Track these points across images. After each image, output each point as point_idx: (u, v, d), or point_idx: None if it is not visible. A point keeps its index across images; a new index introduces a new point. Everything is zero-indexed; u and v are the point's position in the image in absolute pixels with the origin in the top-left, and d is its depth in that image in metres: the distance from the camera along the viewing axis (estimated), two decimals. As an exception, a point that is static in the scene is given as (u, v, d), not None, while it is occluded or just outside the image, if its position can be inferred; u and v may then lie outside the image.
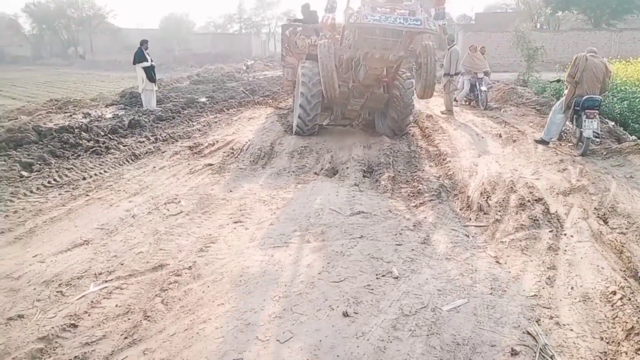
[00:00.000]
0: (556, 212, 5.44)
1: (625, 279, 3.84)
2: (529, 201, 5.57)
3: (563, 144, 8.74)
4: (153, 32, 57.58)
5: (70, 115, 12.55)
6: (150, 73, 13.44)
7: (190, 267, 4.05)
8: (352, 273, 3.89)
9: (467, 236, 4.86)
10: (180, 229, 4.91)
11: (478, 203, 5.69)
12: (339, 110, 10.23)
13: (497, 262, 4.25)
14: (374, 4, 7.77)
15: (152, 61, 13.63)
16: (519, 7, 38.16)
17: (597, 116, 7.88)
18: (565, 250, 4.42)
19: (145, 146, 8.63)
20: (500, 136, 9.49)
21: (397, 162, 7.81)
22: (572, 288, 3.73)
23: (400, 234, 4.77)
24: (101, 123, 10.68)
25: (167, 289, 3.71)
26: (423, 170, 7.43)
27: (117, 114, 12.69)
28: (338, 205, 5.57)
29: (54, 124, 10.15)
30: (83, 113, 12.95)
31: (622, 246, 4.43)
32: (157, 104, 14.22)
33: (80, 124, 9.70)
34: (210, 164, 7.50)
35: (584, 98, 7.86)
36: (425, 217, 5.39)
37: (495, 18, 35.44)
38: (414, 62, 8.88)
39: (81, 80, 30.96)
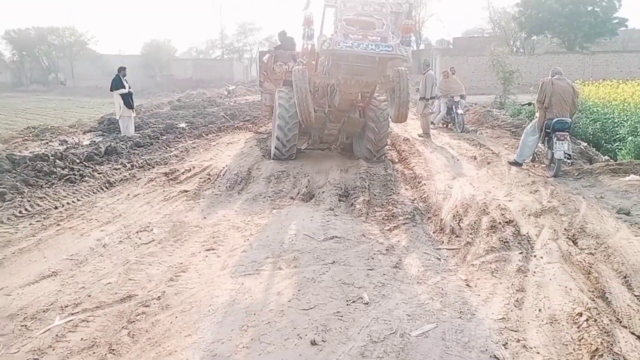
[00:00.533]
0: (527, 233, 5.50)
1: (593, 300, 3.88)
2: (500, 223, 5.63)
3: (536, 166, 8.89)
4: (135, 57, 57.62)
5: (47, 143, 12.46)
6: (127, 100, 13.42)
7: (159, 297, 4.00)
8: (323, 300, 3.88)
9: (439, 259, 4.89)
10: (151, 258, 4.86)
11: (450, 226, 5.74)
12: (317, 134, 10.31)
13: (467, 285, 4.27)
14: (346, 31, 7.91)
15: (129, 88, 13.61)
16: (495, 31, 39.06)
17: (568, 138, 8.04)
18: (534, 272, 4.46)
19: (120, 173, 8.56)
20: (475, 158, 9.62)
21: (373, 186, 7.85)
22: (539, 310, 3.76)
23: (373, 259, 4.78)
24: (77, 150, 10.60)
25: (134, 321, 3.65)
26: (398, 193, 7.48)
27: (95, 141, 12.62)
28: (312, 230, 5.57)
29: (30, 152, 10.07)
30: (60, 140, 12.87)
31: (590, 267, 4.49)
32: (135, 130, 14.19)
33: (56, 151, 9.63)
34: (186, 191, 7.47)
35: (554, 121, 8.03)
36: (399, 241, 5.42)
37: (472, 42, 36.20)
38: (388, 87, 9.01)
39: (61, 107, 30.75)
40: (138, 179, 8.14)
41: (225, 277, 4.37)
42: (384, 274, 4.42)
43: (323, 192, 7.32)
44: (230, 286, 4.17)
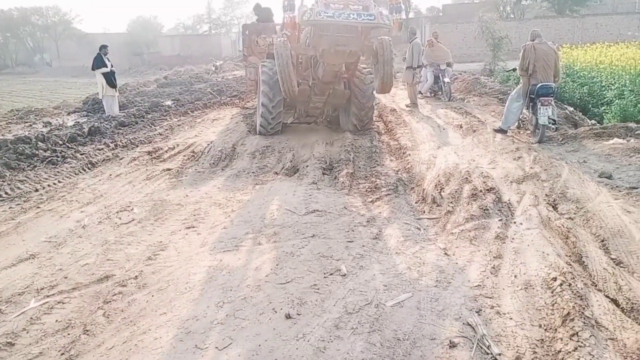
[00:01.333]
0: (508, 200, 5.50)
1: (569, 264, 3.89)
2: (481, 191, 5.61)
3: (521, 132, 8.86)
4: (120, 35, 56.77)
5: (30, 125, 12.31)
6: (110, 79, 13.18)
7: (136, 276, 3.99)
8: (300, 273, 3.87)
9: (419, 229, 4.88)
10: (131, 237, 4.83)
11: (432, 195, 5.73)
12: (302, 108, 10.20)
13: (445, 254, 4.27)
14: (327, 0, 7.76)
15: (112, 66, 13.38)
16: (485, -3, 38.60)
17: (552, 103, 7.99)
18: (512, 239, 4.47)
19: (103, 153, 8.48)
20: (461, 127, 9.57)
21: (358, 158, 7.81)
22: (515, 276, 3.77)
23: (353, 231, 4.77)
24: (61, 132, 10.44)
25: (110, 301, 3.64)
26: (383, 164, 7.45)
27: (79, 122, 12.45)
28: (294, 204, 5.55)
29: (12, 135, 9.93)
30: (43, 122, 12.71)
31: (569, 231, 4.49)
32: (120, 109, 14.01)
33: (38, 133, 9.49)
34: (169, 169, 7.41)
35: (537, 86, 7.96)
36: (380, 212, 5.41)
37: (462, 9, 35.73)
38: (372, 57, 8.88)
39: (47, 88, 30.37)
40: (121, 159, 8.06)
41: (204, 254, 4.35)
42: (363, 246, 4.42)
43: (307, 166, 7.28)
44: (209, 263, 4.16)
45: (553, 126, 8.19)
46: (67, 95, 22.52)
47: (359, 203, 5.73)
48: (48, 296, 3.76)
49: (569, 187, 5.64)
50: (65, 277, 4.04)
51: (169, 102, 15.47)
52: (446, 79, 13.55)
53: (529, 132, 8.60)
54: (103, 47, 13.53)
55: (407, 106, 12.77)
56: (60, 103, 17.48)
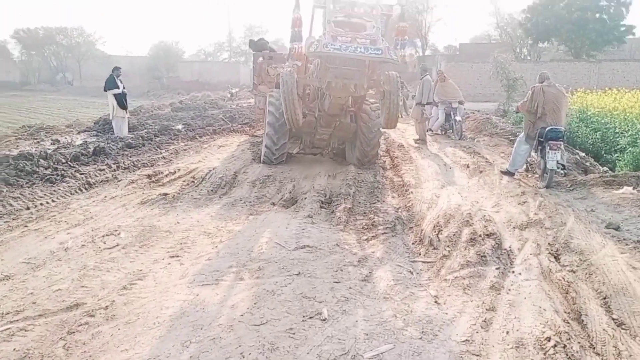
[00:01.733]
0: (509, 247, 5.26)
1: (567, 322, 3.63)
2: (480, 236, 5.37)
3: (529, 176, 8.62)
4: (142, 59, 57.89)
5: (38, 142, 12.33)
6: (121, 100, 13.25)
7: (107, 306, 3.79)
8: (278, 315, 3.65)
9: (412, 273, 4.65)
10: (111, 264, 4.65)
11: (429, 237, 5.50)
12: (308, 139, 10.09)
13: (435, 302, 4.03)
14: (334, 33, 7.70)
15: (124, 88, 13.47)
16: (502, 38, 38.71)
17: (562, 147, 7.78)
18: (509, 290, 4.21)
19: (103, 174, 8.39)
20: (468, 167, 9.36)
21: (360, 193, 7.62)
22: (507, 332, 3.51)
23: (342, 270, 4.54)
24: (67, 150, 10.43)
25: (74, 332, 3.44)
26: (384, 201, 7.25)
27: (86, 141, 12.46)
28: (285, 238, 5.35)
29: (18, 151, 9.91)
30: (52, 140, 12.73)
31: (569, 285, 4.23)
32: (129, 131, 14.05)
33: (40, 151, 9.45)
34: (166, 194, 7.27)
35: (547, 129, 7.77)
36: (373, 252, 5.18)
37: (479, 48, 35.86)
38: (379, 91, 8.78)
39: (66, 107, 30.82)
40: (119, 181, 7.96)
41: (182, 286, 4.15)
42: (350, 288, 4.19)
43: (305, 198, 7.10)
44: (184, 297, 3.95)
45: (562, 171, 7.95)
46: (83, 115, 22.76)
47: (353, 240, 5.51)
48: (12, 322, 3.57)
49: (573, 237, 5.39)
50: (34, 303, 3.86)
51: (179, 126, 15.48)
52: (457, 117, 13.40)
53: (537, 175, 8.36)
54: (116, 69, 13.65)
55: (415, 142, 12.62)
56: (73, 122, 17.59)
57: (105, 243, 5.20)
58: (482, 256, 4.82)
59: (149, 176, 8.23)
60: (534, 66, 29.64)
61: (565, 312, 3.86)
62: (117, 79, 13.41)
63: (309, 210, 6.48)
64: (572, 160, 9.17)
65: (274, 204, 6.99)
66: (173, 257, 4.87)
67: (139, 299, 3.92)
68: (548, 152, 7.62)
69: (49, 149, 10.54)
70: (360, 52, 7.43)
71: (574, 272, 4.55)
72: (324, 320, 3.61)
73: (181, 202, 6.93)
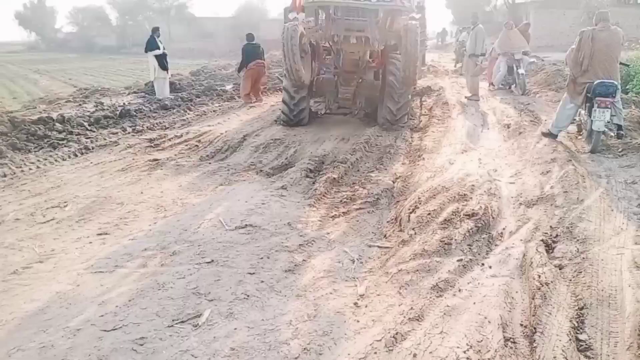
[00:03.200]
0: (502, 230, 4.28)
1: (509, 343, 2.73)
2: (466, 215, 4.40)
3: (580, 137, 7.27)
4: (227, 20, 58.47)
5: (80, 105, 12.47)
6: (162, 61, 13.07)
7: (-24, 295, 3.41)
8: (143, 317, 3.03)
9: (353, 261, 3.86)
10: (31, 241, 4.24)
11: (400, 216, 4.63)
12: (331, 98, 9.29)
13: (355, 304, 3.23)
14: (340, -21, 6.80)
15: (164, 49, 13.26)
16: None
17: (614, 105, 6.41)
18: (458, 290, 3.29)
19: (108, 138, 8.17)
20: (509, 127, 8.13)
21: (365, 159, 6.78)
22: (414, 356, 2.67)
23: (269, 258, 3.84)
24: (99, 113, 10.41)
25: None
26: (386, 169, 6.37)
27: (128, 103, 12.44)
28: (234, 214, 4.71)
29: (39, 115, 9.99)
30: (96, 102, 12.83)
31: (545, 286, 3.25)
32: (175, 92, 13.93)
33: (58, 115, 9.42)
34: (156, 159, 6.85)
35: (595, 83, 6.42)
36: (330, 233, 4.41)
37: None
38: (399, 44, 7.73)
39: (149, 68, 31.75)
40: (117, 145, 7.66)
41: (73, 273, 3.64)
42: (262, 281, 3.49)
43: (295, 165, 6.41)
44: (62, 287, 3.44)
45: (612, 133, 6.60)
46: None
47: (315, 218, 4.76)
48: None
49: (584, 218, 4.27)
50: None
51: (229, 87, 15.14)
52: (521, 70, 11.85)
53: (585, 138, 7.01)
54: (156, 30, 13.45)
55: (467, 99, 11.32)
56: (133, 83, 17.90)
57: (44, 216, 4.84)
58: (446, 243, 3.89)
59: (150, 140, 7.87)
60: (636, 10, 25.96)
61: (521, 326, 2.94)
62: (158, 40, 13.20)
63: (288, 180, 5.78)
64: (635, 119, 7.59)
65: (261, 171, 6.36)
66: (101, 234, 4.40)
67: (18, 287, 3.48)
68: (595, 110, 6.30)
69: (77, 113, 10.59)
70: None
71: (561, 269, 3.53)
72: (196, 326, 2.96)
73: (164, 169, 6.49)
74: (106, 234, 4.43)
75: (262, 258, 3.83)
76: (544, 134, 7.21)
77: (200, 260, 3.78)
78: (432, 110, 10.14)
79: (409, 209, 4.65)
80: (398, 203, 5.15)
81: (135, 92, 14.82)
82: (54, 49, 66.65)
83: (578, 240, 3.91)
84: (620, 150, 6.41)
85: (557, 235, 4.06)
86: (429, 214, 4.46)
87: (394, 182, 5.84)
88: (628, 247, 3.70)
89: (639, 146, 6.31)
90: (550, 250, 3.86)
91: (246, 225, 4.43)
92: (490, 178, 5.63)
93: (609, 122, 6.46)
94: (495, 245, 4.02)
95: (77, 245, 4.21)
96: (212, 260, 3.77)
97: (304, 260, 3.84)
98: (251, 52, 12.15)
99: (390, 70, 8.27)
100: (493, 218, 4.51)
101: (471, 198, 4.93)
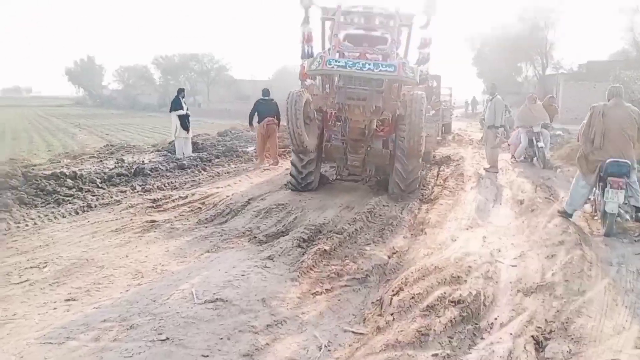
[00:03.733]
0: (492, 321, 3.92)
1: None
2: (453, 302, 4.06)
3: (596, 217, 6.87)
4: (265, 82, 60.28)
5: (101, 161, 12.69)
6: (184, 121, 13.35)
7: None
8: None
9: (320, 348, 3.55)
10: (-5, 304, 4.14)
11: (382, 298, 4.32)
12: (341, 165, 9.18)
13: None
14: (341, 48, 6.80)
15: (187, 110, 13.56)
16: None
17: (629, 186, 6.06)
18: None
19: (116, 197, 8.16)
20: (521, 203, 7.79)
21: (366, 230, 6.53)
22: None
23: (229, 339, 3.56)
24: (115, 170, 10.54)
25: None
26: (384, 243, 6.08)
27: (149, 161, 12.62)
28: (209, 286, 4.47)
29: (58, 170, 10.16)
30: (117, 159, 13.06)
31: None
32: (198, 151, 14.13)
33: (70, 171, 9.54)
34: (154, 221, 6.76)
35: (607, 162, 6.11)
36: (305, 313, 4.12)
37: (609, 67, 31.71)
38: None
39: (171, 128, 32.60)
40: (119, 205, 7.64)
41: (22, 342, 3.44)
42: (212, 367, 3.23)
43: (288, 234, 6.20)
44: (4, 358, 3.27)
45: (627, 216, 6.21)
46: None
47: (294, 294, 4.48)
48: None
49: (583, 313, 3.89)
50: None
51: (251, 148, 15.26)
52: (540, 144, 11.57)
53: (598, 218, 6.61)
54: (181, 91, 13.82)
55: (486, 170, 11.04)
56: (160, 141, 18.29)
57: (20, 277, 4.72)
58: (423, 334, 3.56)
59: (154, 200, 7.83)
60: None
61: None
62: (182, 100, 13.53)
63: (277, 249, 5.56)
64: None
65: (255, 237, 6.16)
66: (69, 300, 4.23)
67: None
68: (608, 191, 5.97)
69: (95, 169, 10.77)
70: (368, 69, 6.46)
71: (546, 373, 3.16)
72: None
73: (157, 231, 6.37)
74: (74, 299, 4.26)
75: (222, 338, 3.57)
76: (559, 213, 6.84)
77: (156, 337, 3.53)
78: (446, 181, 9.89)
79: (393, 291, 4.34)
80: (388, 282, 4.84)
81: (158, 150, 15.07)
82: (99, 105, 69.92)
83: (573, 339, 3.53)
84: (637, 234, 5.99)
85: (551, 331, 3.68)
86: (413, 297, 4.14)
87: (389, 258, 5.54)
88: (626, 351, 3.31)
89: (657, 232, 5.88)
90: (541, 349, 3.48)
91: (217, 299, 4.19)
92: (492, 259, 5.30)
93: (625, 203, 6.09)
94: (482, 338, 3.66)
95: (41, 310, 4.04)
96: (168, 338, 3.52)
97: (267, 344, 3.55)
98: (264, 109, 12.17)
99: (400, 139, 8.13)
100: (485, 306, 4.17)
101: (465, 281, 4.61)
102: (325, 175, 9.83)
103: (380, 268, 5.18)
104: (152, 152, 15.01)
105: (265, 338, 3.63)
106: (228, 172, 11.02)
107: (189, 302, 4.16)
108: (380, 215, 7.18)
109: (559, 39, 41.06)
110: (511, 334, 3.68)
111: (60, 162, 12.92)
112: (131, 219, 6.88)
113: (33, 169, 10.78)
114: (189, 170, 11.07)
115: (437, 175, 10.74)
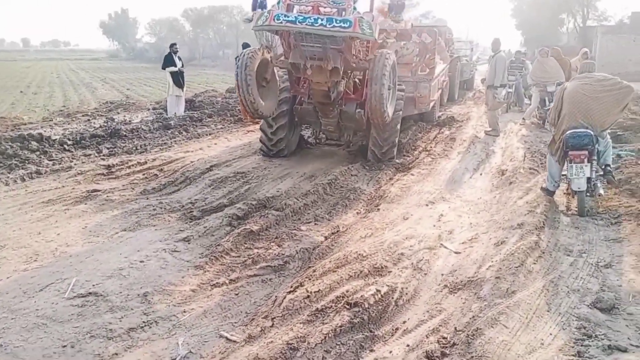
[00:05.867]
0: (402, 324, 3.36)
1: None
2: (353, 303, 3.48)
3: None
4: (294, 34, 58.94)
5: (89, 120, 12.34)
6: (177, 78, 12.74)
7: None
8: None
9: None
10: None
11: (275, 296, 3.78)
12: (317, 129, 8.54)
13: None
14: (292, 0, 6.06)
15: (182, 66, 12.96)
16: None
17: (589, 160, 5.30)
18: None
19: (72, 162, 7.79)
20: (503, 174, 7.02)
21: (319, 204, 5.99)
22: None
23: (73, 347, 3.06)
24: (93, 131, 10.19)
25: None
26: (329, 220, 5.51)
27: (140, 120, 12.23)
28: (97, 275, 4.01)
29: (20, 133, 9.77)
30: (107, 117, 12.68)
31: None
32: (194, 110, 13.63)
33: (36, 133, 9.17)
34: (95, 191, 6.32)
35: (567, 135, 5.37)
36: (188, 311, 3.60)
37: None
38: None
39: (206, 81, 32.35)
40: (68, 171, 7.25)
41: None
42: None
43: (224, 209, 5.69)
44: None
45: (601, 191, 5.50)
46: (203, 88, 23.32)
47: (190, 286, 3.96)
48: None
49: (499, 322, 3.26)
50: None
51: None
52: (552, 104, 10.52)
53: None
54: (172, 45, 13.16)
55: (486, 133, 10.19)
56: (163, 98, 17.88)
57: None
58: (293, 348, 3.01)
59: (108, 167, 7.41)
60: None
61: None
62: (175, 57, 12.91)
63: (200, 229, 5.06)
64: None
65: (191, 212, 5.68)
66: None
67: None
68: (571, 167, 5.20)
69: (76, 129, 10.47)
70: (320, 24, 5.72)
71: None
72: None
73: (90, 203, 5.93)
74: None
75: (65, 346, 3.11)
76: (543, 190, 6.06)
77: (-9, 341, 3.12)
78: (434, 147, 9.11)
79: (291, 287, 3.80)
80: (309, 270, 4.30)
81: (155, 109, 14.65)
82: (132, 58, 70.02)
83: (472, 358, 2.93)
84: (616, 216, 5.22)
85: (453, 345, 3.09)
86: (308, 297, 3.59)
87: (325, 239, 4.98)
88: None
89: (638, 212, 5.09)
90: (436, 366, 2.91)
91: (90, 293, 3.73)
92: (436, 243, 4.68)
93: (592, 177, 5.32)
94: (370, 350, 3.10)
95: None
96: (2, 345, 3.10)
97: (115, 354, 3.08)
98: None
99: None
100: (397, 306, 3.59)
101: (389, 272, 4.04)
102: (306, 139, 9.24)
103: (306, 253, 4.62)
104: (149, 109, 14.59)
105: (118, 346, 3.16)
106: (210, 134, 10.50)
107: (58, 296, 3.73)
108: (341, 187, 6.58)
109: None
110: (408, 345, 3.12)
111: (52, 120, 12.67)
112: (73, 188, 6.48)
113: (18, 129, 10.59)
114: (171, 132, 10.61)
115: (434, 139, 9.96)
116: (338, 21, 5.70)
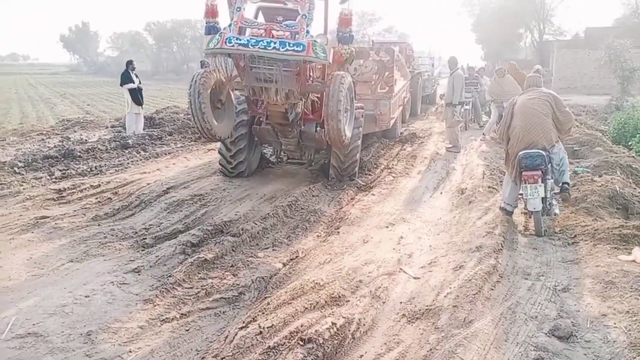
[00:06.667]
0: (359, 358, 3.24)
1: None
2: (307, 340, 3.35)
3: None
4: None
5: (43, 140, 11.94)
6: (136, 95, 12.44)
7: None
8: None
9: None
10: None
11: (228, 332, 3.63)
12: (277, 148, 8.42)
13: None
14: (244, 23, 5.97)
15: (139, 83, 12.67)
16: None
17: (543, 180, 5.36)
18: None
19: (21, 186, 7.45)
20: (463, 193, 7.03)
21: (279, 228, 5.87)
22: None
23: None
24: (46, 152, 9.83)
25: None
26: (288, 245, 5.39)
27: (99, 138, 11.87)
28: (38, 312, 3.76)
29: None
30: (62, 137, 12.28)
31: None
32: (155, 128, 13.34)
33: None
34: (44, 217, 6.03)
35: (519, 155, 5.42)
36: (133, 351, 3.40)
37: (607, 34, 30.17)
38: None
39: (169, 95, 31.94)
40: (16, 196, 6.93)
41: None
42: None
43: (177, 235, 5.50)
44: None
45: (557, 210, 5.58)
46: (166, 104, 22.99)
47: (138, 322, 3.76)
48: None
49: (457, 355, 3.18)
50: None
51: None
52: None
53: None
54: (129, 63, 12.90)
55: (447, 150, 10.27)
56: (122, 116, 17.49)
57: None
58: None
59: (59, 191, 7.11)
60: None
61: None
62: (132, 73, 12.63)
63: (151, 258, 4.85)
64: (607, 192, 6.32)
65: (144, 240, 5.46)
66: None
67: None
68: (526, 187, 5.25)
69: (27, 151, 10.10)
70: (273, 48, 5.62)
71: None
72: None
73: (37, 231, 5.64)
74: None
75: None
76: (500, 209, 6.06)
77: None
78: (396, 165, 9.11)
79: (244, 322, 3.65)
80: (265, 301, 4.15)
81: (114, 126, 14.29)
82: (93, 72, 68.63)
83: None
84: (573, 236, 5.25)
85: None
86: (261, 332, 3.43)
87: (284, 266, 4.85)
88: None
89: (594, 232, 5.13)
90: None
91: (29, 333, 3.50)
92: (395, 268, 4.60)
93: (547, 197, 5.38)
94: (324, 389, 2.98)
95: None
96: None
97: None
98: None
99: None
100: (354, 338, 3.48)
101: (347, 301, 3.93)
102: (268, 157, 9.12)
103: (263, 282, 4.48)
104: (107, 127, 14.23)
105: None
106: (169, 153, 10.27)
107: (-6, 337, 3.49)
108: (301, 209, 6.48)
109: (557, 5, 39.18)
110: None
111: (5, 140, 12.20)
112: (20, 215, 6.17)
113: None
114: (128, 151, 10.32)
115: (395, 156, 9.97)
116: (291, 45, 5.62)
